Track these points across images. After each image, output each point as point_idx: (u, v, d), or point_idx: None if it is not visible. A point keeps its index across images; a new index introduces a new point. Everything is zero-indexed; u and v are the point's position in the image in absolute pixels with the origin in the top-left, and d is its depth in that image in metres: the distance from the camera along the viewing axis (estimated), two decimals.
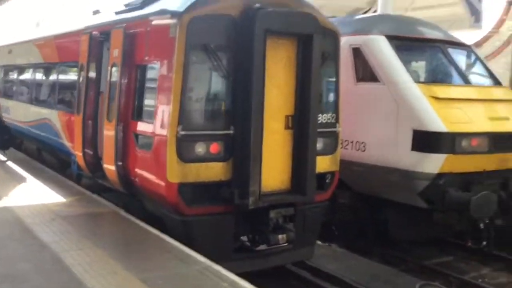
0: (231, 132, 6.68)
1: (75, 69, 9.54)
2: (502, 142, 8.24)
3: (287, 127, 7.08)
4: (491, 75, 9.75)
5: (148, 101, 7.14)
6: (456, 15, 21.16)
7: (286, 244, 7.29)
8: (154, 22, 6.97)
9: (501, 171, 8.37)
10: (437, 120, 7.89)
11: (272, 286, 7.80)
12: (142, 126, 7.13)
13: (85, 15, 10.95)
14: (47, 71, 11.72)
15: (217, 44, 6.55)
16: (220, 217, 6.79)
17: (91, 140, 8.45)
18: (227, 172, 6.73)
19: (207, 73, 6.75)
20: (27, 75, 13.60)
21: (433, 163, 7.92)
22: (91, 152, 8.51)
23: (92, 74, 8.51)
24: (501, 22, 23.13)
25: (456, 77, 8.93)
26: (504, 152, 8.31)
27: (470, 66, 9.64)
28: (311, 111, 7.00)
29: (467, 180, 8.09)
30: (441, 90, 8.35)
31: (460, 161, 7.99)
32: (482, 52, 23.26)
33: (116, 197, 8.62)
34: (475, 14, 22.92)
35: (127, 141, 7.40)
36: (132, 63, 7.41)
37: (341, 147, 9.05)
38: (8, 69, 15.34)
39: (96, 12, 10.45)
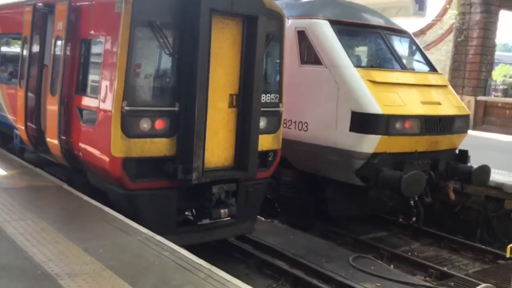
0: (176, 109, 6.82)
1: (19, 41, 9.35)
2: (433, 125, 8.78)
3: (231, 105, 7.28)
4: (428, 62, 10.29)
5: (92, 76, 7.16)
6: (402, 2, 21.87)
7: (228, 218, 7.56)
8: None
9: (431, 152, 8.93)
10: (374, 103, 8.31)
11: (215, 259, 8.08)
12: (86, 101, 7.16)
13: None
14: None
15: (163, 21, 6.63)
16: (164, 192, 6.95)
17: (34, 114, 8.38)
18: (171, 148, 6.88)
19: (152, 50, 6.84)
20: None
21: (369, 144, 8.36)
22: (34, 126, 8.45)
23: (36, 47, 8.40)
24: (444, 10, 24.11)
25: (394, 63, 9.38)
26: (435, 135, 8.86)
27: (408, 52, 10.13)
28: (254, 91, 7.22)
29: (400, 160, 8.59)
30: (379, 75, 8.77)
31: (393, 142, 8.47)
32: (425, 39, 24.29)
33: (59, 171, 8.62)
34: (419, 2, 23.79)
35: (71, 115, 7.41)
36: (76, 37, 7.38)
37: (285, 127, 9.42)
38: None
39: None
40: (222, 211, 7.26)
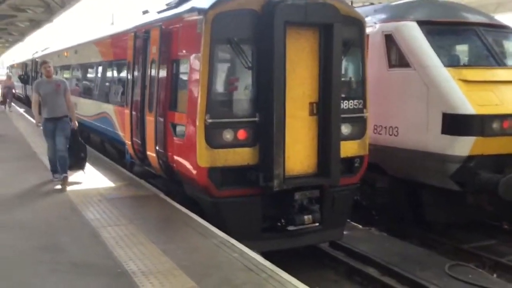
0: (256, 119, 7.14)
1: (125, 66, 10.38)
2: None
3: (311, 113, 7.43)
4: None
5: (181, 93, 7.76)
6: None
7: (315, 225, 7.65)
8: (184, 20, 7.56)
9: None
10: (466, 103, 7.93)
11: (304, 264, 8.24)
12: (176, 116, 7.77)
13: (136, 16, 11.80)
14: (105, 69, 12.75)
15: (240, 37, 7.01)
16: (248, 199, 7.26)
17: (138, 130, 9.22)
18: (254, 157, 7.19)
19: (232, 65, 7.25)
20: (90, 74, 14.77)
21: (463, 146, 7.97)
22: (139, 141, 9.30)
23: (138, 70, 9.27)
24: None
25: (491, 60, 8.83)
26: None
27: (507, 48, 9.46)
28: (333, 98, 7.30)
29: (500, 162, 8.06)
30: (472, 73, 8.34)
31: (491, 143, 7.98)
32: None
33: (161, 182, 9.36)
34: None
35: (165, 130, 8.07)
36: (167, 59, 8.05)
37: (376, 132, 9.33)
38: (75, 68, 16.68)
39: (145, 12, 11.26)
40: (306, 217, 7.39)
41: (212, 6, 6.99)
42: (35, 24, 37.79)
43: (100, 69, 13.38)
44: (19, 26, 41.60)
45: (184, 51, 7.63)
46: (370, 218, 10.53)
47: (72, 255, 5.26)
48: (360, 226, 10.53)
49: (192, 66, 7.31)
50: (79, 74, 16.13)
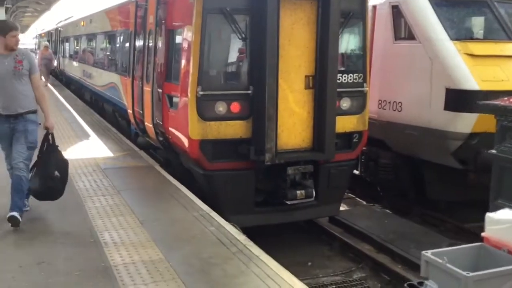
0: (250, 92, 7.01)
1: (129, 36, 10.33)
2: None
3: (307, 86, 7.26)
4: None
5: (175, 64, 7.67)
6: None
7: (309, 200, 7.56)
8: None
9: None
10: (469, 78, 7.62)
11: (301, 239, 8.22)
12: (171, 88, 7.71)
13: None
14: (113, 39, 12.74)
15: (234, 7, 6.84)
16: (241, 173, 7.20)
17: (138, 100, 9.22)
18: (247, 130, 7.10)
19: (225, 36, 7.10)
20: (101, 44, 14.81)
21: (465, 123, 7.71)
22: (140, 111, 9.30)
23: (138, 41, 9.22)
24: None
25: (501, 33, 8.43)
26: None
27: None
28: (329, 71, 7.11)
29: None
30: (479, 47, 7.99)
31: (494, 120, 7.67)
32: None
33: (162, 153, 9.39)
34: None
35: (161, 101, 8.03)
36: (163, 29, 7.96)
37: (380, 107, 9.12)
38: (90, 38, 16.76)
39: None
40: (298, 192, 7.30)
41: None
42: None
43: (109, 39, 13.39)
44: None
45: (178, 21, 7.52)
46: (376, 194, 10.38)
47: (50, 223, 5.32)
48: (364, 202, 10.41)
49: (185, 37, 7.21)
50: (93, 44, 16.20)
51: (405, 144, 8.97)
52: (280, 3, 6.72)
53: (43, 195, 5.72)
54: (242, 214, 7.20)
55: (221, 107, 7.01)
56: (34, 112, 5.70)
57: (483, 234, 4.35)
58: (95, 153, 9.04)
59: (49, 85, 21.62)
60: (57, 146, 5.85)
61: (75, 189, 6.68)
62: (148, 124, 8.51)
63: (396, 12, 8.86)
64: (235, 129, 7.06)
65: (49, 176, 5.61)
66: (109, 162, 8.34)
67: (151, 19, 8.26)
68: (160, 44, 8.05)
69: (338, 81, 7.28)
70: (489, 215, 4.36)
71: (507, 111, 5.87)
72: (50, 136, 5.76)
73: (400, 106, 8.76)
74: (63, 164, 5.83)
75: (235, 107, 7.06)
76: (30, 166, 5.66)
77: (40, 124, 5.75)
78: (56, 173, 5.67)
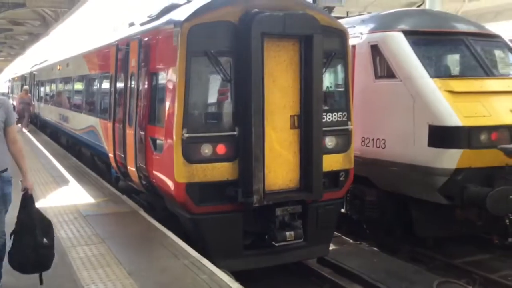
0: (235, 133, 6.94)
1: (109, 79, 10.24)
2: None
3: (293, 126, 7.23)
4: None
5: (159, 107, 7.58)
6: (498, 6, 20.22)
7: (298, 241, 7.41)
8: (162, 32, 7.41)
9: None
10: (452, 115, 7.72)
11: (291, 282, 8.02)
12: (155, 130, 7.59)
13: (122, 28, 11.70)
14: (92, 82, 12.62)
15: (217, 49, 6.84)
16: (228, 215, 7.05)
17: (120, 144, 9.04)
18: (234, 172, 6.98)
19: (209, 78, 7.07)
20: (79, 87, 14.67)
21: (450, 159, 7.76)
22: (121, 155, 9.12)
23: (119, 84, 9.12)
24: None
25: (479, 70, 8.63)
26: None
27: (497, 57, 9.27)
28: (314, 110, 7.12)
29: (489, 175, 7.83)
30: (459, 84, 8.14)
31: (479, 156, 7.76)
32: None
33: (145, 197, 9.16)
34: None
35: (145, 144, 7.89)
36: (146, 72, 7.90)
37: (363, 145, 9.13)
38: (67, 81, 16.61)
39: (131, 24, 11.12)
40: (287, 233, 7.16)
41: (188, 18, 6.84)
42: (34, 37, 38.00)
43: (87, 82, 13.26)
44: (18, 39, 41.86)
45: (161, 64, 7.48)
46: (363, 232, 10.29)
47: (33, 276, 5.02)
48: (351, 241, 10.29)
49: (169, 79, 7.15)
50: (70, 87, 16.04)
51: (390, 181, 8.97)
52: (263, 44, 6.75)
53: (34, 267, 4.89)
54: (230, 258, 7.01)
55: (206, 149, 6.91)
56: (7, 170, 4.90)
57: None
58: (76, 199, 8.77)
59: (24, 130, 20.95)
60: (38, 208, 5.07)
61: (57, 239, 6.37)
62: (131, 168, 8.33)
63: (375, 52, 9.00)
64: (222, 171, 6.95)
65: (39, 245, 4.83)
66: (90, 208, 8.09)
67: (133, 62, 8.21)
68: (143, 87, 7.97)
69: (323, 120, 7.28)
70: None
71: None
72: (29, 198, 4.90)
73: (384, 143, 8.79)
74: (48, 226, 5.08)
75: (221, 149, 6.96)
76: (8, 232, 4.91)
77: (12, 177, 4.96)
78: (45, 239, 4.90)
